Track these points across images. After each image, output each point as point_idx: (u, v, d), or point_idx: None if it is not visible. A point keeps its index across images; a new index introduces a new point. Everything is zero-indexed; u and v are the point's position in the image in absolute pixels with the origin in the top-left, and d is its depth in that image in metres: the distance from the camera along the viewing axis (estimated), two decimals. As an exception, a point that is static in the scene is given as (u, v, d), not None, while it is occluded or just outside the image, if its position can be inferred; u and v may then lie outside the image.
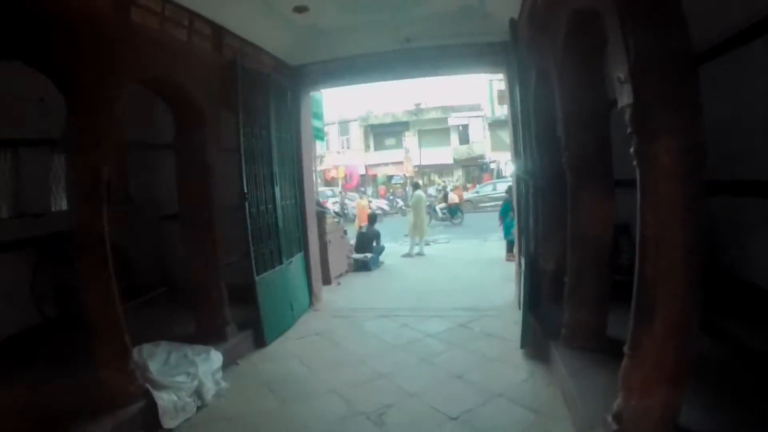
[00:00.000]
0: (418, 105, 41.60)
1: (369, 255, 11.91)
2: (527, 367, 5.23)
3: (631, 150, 2.87)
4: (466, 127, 40.73)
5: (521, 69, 5.93)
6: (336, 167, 41.54)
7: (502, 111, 37.10)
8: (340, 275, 10.91)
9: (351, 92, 78.92)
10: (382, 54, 7.63)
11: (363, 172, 42.05)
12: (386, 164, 41.51)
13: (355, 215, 17.76)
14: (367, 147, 42.98)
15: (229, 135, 6.19)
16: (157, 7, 4.93)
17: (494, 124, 38.89)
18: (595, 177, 4.48)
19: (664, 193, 2.74)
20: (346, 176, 40.79)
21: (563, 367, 4.43)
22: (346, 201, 29.06)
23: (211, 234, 5.95)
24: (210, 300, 5.90)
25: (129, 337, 4.32)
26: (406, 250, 13.93)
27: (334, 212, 11.89)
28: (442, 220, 23.81)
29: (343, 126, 43.70)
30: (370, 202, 26.05)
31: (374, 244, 12.44)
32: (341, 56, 7.78)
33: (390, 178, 40.00)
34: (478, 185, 34.65)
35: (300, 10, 6.49)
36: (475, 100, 41.22)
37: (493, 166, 39.54)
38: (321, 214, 10.31)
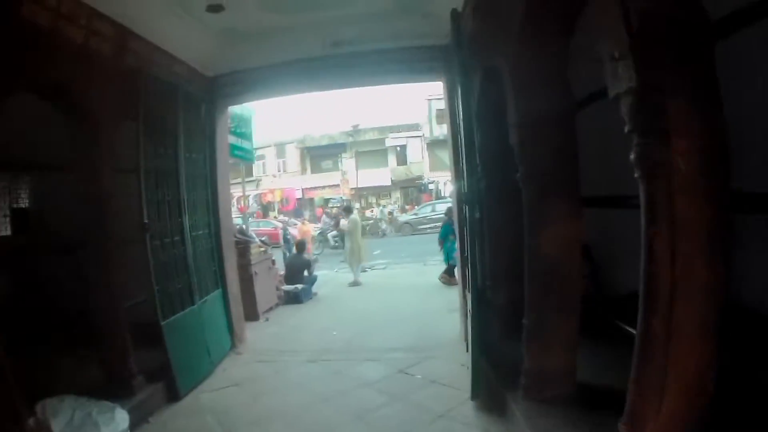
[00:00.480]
0: (355, 126, 40.87)
1: (299, 286, 10.94)
2: (481, 425, 4.43)
3: (631, 156, 2.13)
4: (404, 147, 40.17)
5: (463, 71, 5.09)
6: (273, 191, 40.68)
7: (442, 130, 36.92)
8: (270, 309, 9.98)
9: (287, 113, 77.86)
10: (309, 61, 6.79)
11: (300, 195, 41.29)
12: (323, 187, 40.79)
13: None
14: (304, 169, 42.20)
15: (130, 154, 5.26)
16: (53, 1, 4.04)
17: (433, 144, 38.47)
18: (560, 191, 3.74)
19: (682, 215, 2.00)
20: (283, 199, 40.04)
21: (527, 427, 3.62)
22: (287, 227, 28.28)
23: (108, 271, 4.99)
24: (114, 348, 4.97)
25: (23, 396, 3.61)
26: (343, 278, 13.05)
27: (261, 241, 10.88)
28: (335, 248, 22.60)
29: (280, 148, 42.82)
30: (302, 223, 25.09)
31: (305, 273, 11.47)
32: (263, 65, 6.90)
33: (327, 200, 39.00)
34: (416, 206, 34.32)
35: (215, 9, 5.50)
36: (414, 120, 40.88)
37: (432, 186, 38.87)
38: (245, 244, 9.39)
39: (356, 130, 40.58)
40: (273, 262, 10.79)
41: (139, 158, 5.25)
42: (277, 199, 40.34)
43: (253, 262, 9.41)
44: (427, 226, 27.58)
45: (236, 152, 11.86)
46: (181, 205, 5.99)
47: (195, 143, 6.53)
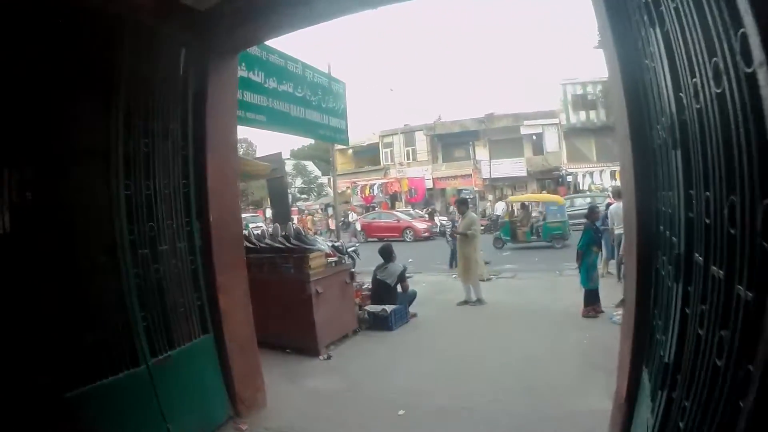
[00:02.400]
0: (489, 114, 37.97)
1: (389, 308, 8.22)
2: None
3: None
4: (540, 135, 36.86)
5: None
6: (399, 180, 38.51)
7: (579, 118, 35.13)
8: (341, 339, 7.51)
9: (415, 98, 75.99)
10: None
11: (431, 185, 38.89)
12: (455, 177, 38.19)
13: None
14: (435, 158, 39.90)
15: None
16: None
17: (570, 133, 35.49)
18: None
19: None
20: (410, 190, 37.69)
21: None
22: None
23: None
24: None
25: None
26: (459, 288, 10.13)
27: (334, 247, 8.33)
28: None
29: (409, 136, 41.00)
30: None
31: (398, 289, 8.79)
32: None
33: (459, 191, 36.18)
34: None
35: None
36: (549, 107, 37.41)
37: (569, 178, 35.28)
38: (301, 254, 6.99)
39: (489, 117, 37.72)
40: (352, 275, 8.24)
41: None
42: (404, 189, 37.82)
43: (314, 278, 6.98)
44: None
45: (321, 132, 10.01)
46: (114, 204, 3.64)
47: (165, 112, 4.13)
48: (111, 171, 3.64)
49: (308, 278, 6.88)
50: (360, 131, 42.79)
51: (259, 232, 8.85)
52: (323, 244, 7.93)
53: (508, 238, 19.80)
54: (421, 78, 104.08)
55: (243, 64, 7.19)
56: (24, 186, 3.29)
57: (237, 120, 5.21)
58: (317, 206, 38.84)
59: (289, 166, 49.31)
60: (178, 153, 4.22)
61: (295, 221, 33.36)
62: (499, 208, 27.84)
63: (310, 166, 49.74)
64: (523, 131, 36.95)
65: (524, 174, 36.93)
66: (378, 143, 42.25)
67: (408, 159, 40.62)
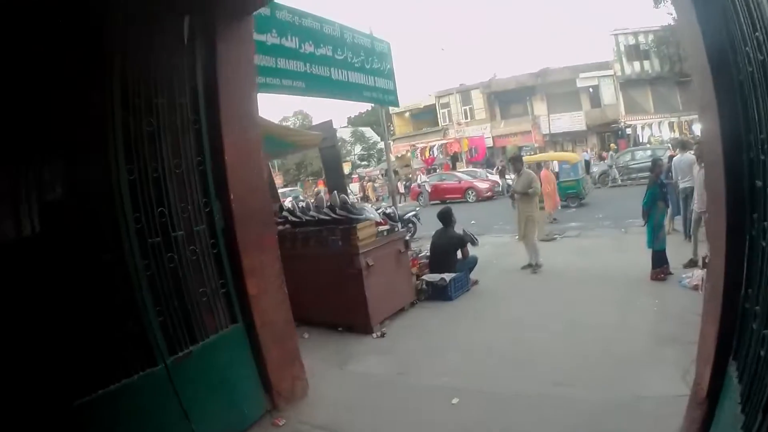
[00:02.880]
0: (544, 69, 36.76)
1: (447, 276, 7.67)
2: None
3: None
4: (596, 88, 35.53)
5: None
6: (459, 140, 37.75)
7: (634, 69, 34.02)
8: (398, 313, 7.10)
9: (468, 55, 73.88)
10: None
11: (491, 144, 38.06)
12: (514, 134, 37.20)
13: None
14: (493, 116, 39.02)
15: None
16: None
17: (626, 84, 34.03)
18: None
19: None
20: (470, 149, 36.94)
21: None
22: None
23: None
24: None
25: None
26: (518, 258, 9.47)
27: (384, 215, 7.82)
28: None
29: (465, 95, 40.05)
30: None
31: (458, 255, 8.24)
32: None
33: (519, 148, 35.09)
34: (612, 153, 29.06)
35: None
36: (602, 58, 35.91)
37: (629, 131, 33.78)
38: (348, 224, 6.57)
39: (544, 72, 36.61)
40: (407, 244, 7.75)
41: None
42: (464, 149, 37.01)
43: (364, 250, 6.53)
44: (626, 177, 23.47)
45: (368, 94, 9.48)
46: (116, 191, 3.26)
47: (163, 81, 3.68)
48: (109, 156, 3.24)
49: (357, 250, 6.44)
50: (415, 93, 42.11)
51: (303, 204, 8.43)
52: (372, 212, 7.41)
53: None
54: (472, 35, 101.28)
55: (274, 30, 6.84)
56: (19, 183, 2.97)
57: (258, 87, 4.71)
58: (378, 172, 38.47)
59: (347, 133, 49.27)
60: (189, 129, 3.78)
61: (356, 189, 33.58)
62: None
63: (368, 132, 49.37)
64: (579, 84, 35.60)
65: (583, 128, 35.75)
66: (435, 104, 41.60)
67: (466, 118, 39.75)
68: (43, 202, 3.05)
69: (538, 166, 20.05)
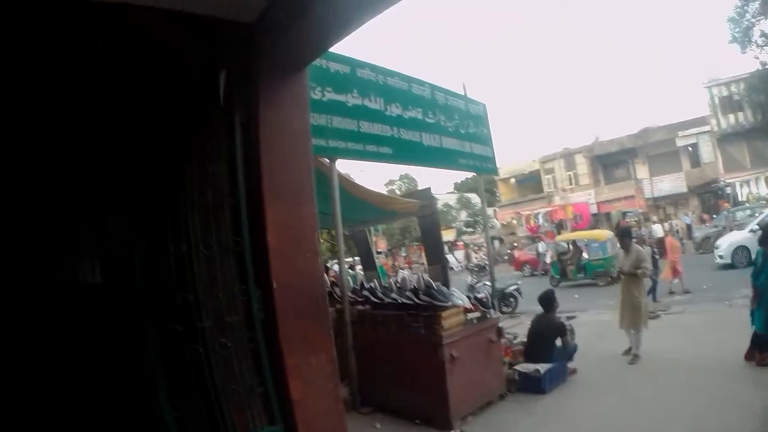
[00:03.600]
0: (644, 129, 36.36)
1: (542, 367, 6.70)
2: None
3: None
4: (695, 146, 34.28)
5: None
6: (563, 207, 37.21)
7: (728, 122, 32.65)
8: (483, 407, 6.23)
9: (570, 116, 72.26)
10: None
11: (594, 210, 37.70)
12: (618, 200, 36.54)
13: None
14: (597, 181, 38.51)
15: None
16: None
17: (723, 139, 32.85)
18: None
19: None
20: (575, 216, 36.26)
21: None
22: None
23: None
24: None
25: None
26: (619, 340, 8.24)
27: (475, 299, 6.91)
28: None
29: (569, 159, 39.89)
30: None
31: (557, 343, 7.25)
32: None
33: (624, 214, 34.50)
34: (714, 216, 27.07)
35: None
36: (697, 113, 35.07)
37: (728, 190, 32.15)
38: (432, 311, 5.93)
39: (645, 132, 36.24)
40: (499, 331, 6.84)
41: None
42: (569, 215, 36.46)
43: (448, 340, 5.78)
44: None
45: (463, 161, 8.89)
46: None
47: (191, 146, 3.19)
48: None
49: (441, 340, 5.75)
50: (518, 158, 41.68)
51: (373, 284, 7.76)
52: (461, 297, 6.58)
53: (557, 276, 19.98)
54: (573, 96, 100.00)
55: (355, 90, 6.47)
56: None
57: (312, 151, 4.04)
58: (483, 239, 37.70)
59: (452, 199, 48.83)
60: (223, 202, 3.23)
61: (461, 256, 32.82)
62: (658, 230, 24.97)
63: (474, 198, 48.65)
64: (679, 143, 35.00)
65: (684, 189, 34.80)
66: (539, 170, 41.40)
67: (570, 184, 39.40)
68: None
69: (574, 244, 20.34)
